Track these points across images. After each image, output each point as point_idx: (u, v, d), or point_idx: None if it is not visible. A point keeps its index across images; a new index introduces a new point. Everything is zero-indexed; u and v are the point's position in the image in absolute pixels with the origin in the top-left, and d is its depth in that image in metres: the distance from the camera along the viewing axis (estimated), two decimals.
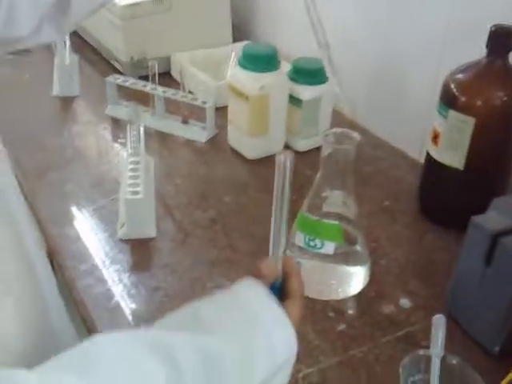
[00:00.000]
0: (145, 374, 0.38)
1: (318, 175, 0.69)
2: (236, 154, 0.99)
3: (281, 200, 0.48)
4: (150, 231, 0.79)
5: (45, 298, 0.67)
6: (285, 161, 0.47)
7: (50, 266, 0.72)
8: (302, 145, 0.99)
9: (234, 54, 1.18)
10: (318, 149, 0.98)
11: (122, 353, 0.39)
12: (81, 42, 1.36)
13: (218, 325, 0.44)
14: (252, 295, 0.47)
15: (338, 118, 1.07)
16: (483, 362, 0.62)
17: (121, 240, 0.78)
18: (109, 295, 0.69)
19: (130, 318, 0.67)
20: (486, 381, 0.52)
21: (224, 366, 0.41)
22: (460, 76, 0.75)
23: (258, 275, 0.49)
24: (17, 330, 0.52)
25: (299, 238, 0.69)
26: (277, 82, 0.92)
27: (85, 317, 0.67)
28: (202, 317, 0.44)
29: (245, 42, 1.24)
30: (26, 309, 0.58)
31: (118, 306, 0.68)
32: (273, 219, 0.50)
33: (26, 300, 0.60)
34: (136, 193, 0.76)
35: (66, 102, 1.14)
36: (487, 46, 0.72)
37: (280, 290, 0.50)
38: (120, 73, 1.18)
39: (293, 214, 0.71)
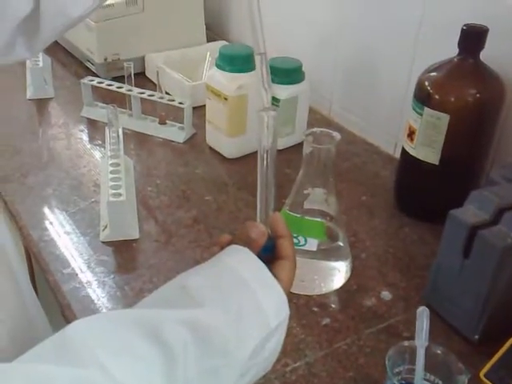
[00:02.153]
0: (136, 355, 0.37)
1: (300, 173, 0.70)
2: (215, 153, 1.00)
3: (266, 159, 0.48)
4: (133, 232, 0.79)
5: (30, 314, 0.68)
6: (268, 119, 0.47)
7: (30, 283, 0.72)
8: (280, 143, 1.00)
9: (209, 54, 1.19)
10: (295, 147, 1.00)
11: (106, 336, 0.37)
12: (53, 44, 1.32)
13: (205, 296, 0.43)
14: (238, 261, 0.46)
15: (313, 116, 1.09)
16: (463, 349, 0.64)
17: (104, 242, 0.78)
18: (94, 298, 0.70)
19: None
20: (467, 367, 0.54)
21: (214, 338, 0.41)
22: (434, 74, 0.77)
23: (246, 239, 0.48)
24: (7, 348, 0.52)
25: None
26: (254, 82, 0.92)
27: (72, 321, 0.66)
28: (189, 289, 0.43)
29: (219, 42, 1.25)
30: (14, 328, 0.59)
31: (104, 309, 0.68)
32: (259, 181, 0.49)
33: (13, 320, 0.60)
34: (118, 195, 0.77)
35: (41, 104, 1.13)
36: (459, 45, 0.75)
37: (272, 251, 0.50)
38: (93, 74, 1.17)
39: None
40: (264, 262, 0.47)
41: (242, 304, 0.43)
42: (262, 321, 0.44)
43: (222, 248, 0.49)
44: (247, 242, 0.48)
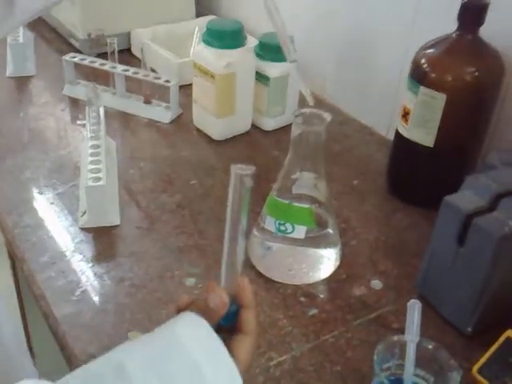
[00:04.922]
0: None
1: (288, 157, 0.66)
2: (202, 134, 0.96)
3: (236, 222, 0.42)
4: (114, 218, 0.76)
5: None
6: (242, 178, 0.40)
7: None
8: (270, 124, 0.97)
9: (197, 29, 1.14)
10: (285, 128, 0.97)
11: None
12: (37, 20, 1.28)
13: (145, 380, 0.37)
14: (191, 338, 0.41)
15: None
16: (456, 342, 0.62)
17: (82, 228, 0.75)
18: (71, 288, 0.66)
19: (94, 312, 0.64)
20: (459, 361, 0.51)
21: None
22: (430, 51, 0.73)
23: (204, 308, 0.43)
24: None
25: (269, 223, 0.67)
26: (243, 59, 0.89)
27: (46, 313, 0.63)
28: (128, 369, 0.38)
29: (208, 17, 1.20)
30: None
31: (81, 300, 0.65)
32: (225, 243, 0.44)
33: None
34: (97, 179, 0.73)
35: (22, 82, 1.09)
36: (458, 20, 0.71)
37: (234, 320, 0.45)
38: (77, 51, 1.13)
39: (262, 196, 0.70)
40: (223, 329, 0.43)
41: None
42: None
43: (180, 311, 0.44)
44: (205, 311, 0.43)
